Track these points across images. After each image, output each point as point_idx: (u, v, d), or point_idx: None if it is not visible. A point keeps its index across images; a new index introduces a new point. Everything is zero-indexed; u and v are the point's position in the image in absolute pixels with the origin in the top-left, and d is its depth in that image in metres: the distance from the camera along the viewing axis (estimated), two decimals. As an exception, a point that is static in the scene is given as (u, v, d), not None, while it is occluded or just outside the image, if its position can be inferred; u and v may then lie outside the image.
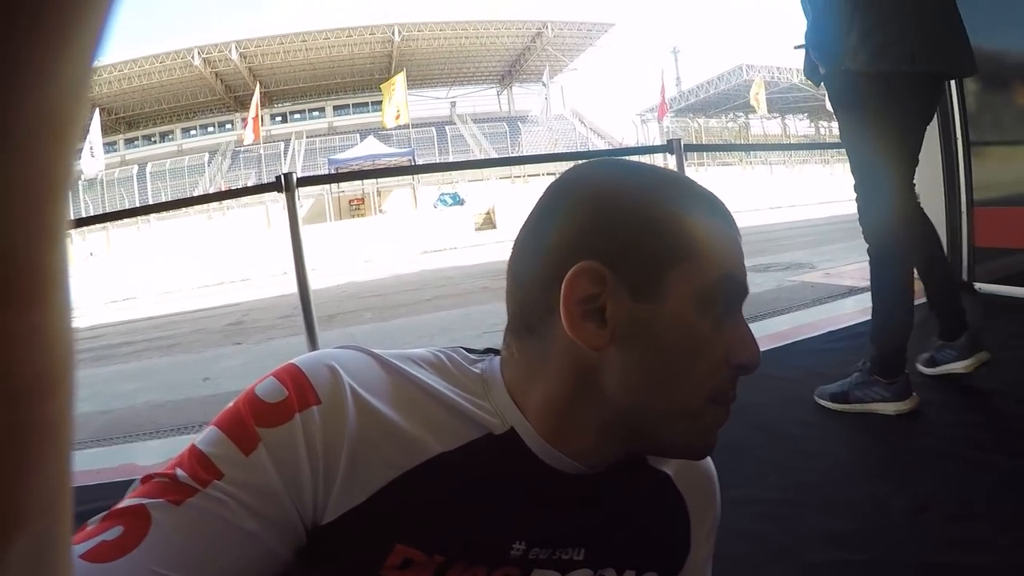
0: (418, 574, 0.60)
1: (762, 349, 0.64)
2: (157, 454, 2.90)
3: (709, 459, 0.79)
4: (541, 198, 0.67)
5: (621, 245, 0.60)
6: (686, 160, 4.17)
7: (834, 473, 1.96)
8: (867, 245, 2.44)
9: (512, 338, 0.66)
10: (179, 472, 0.55)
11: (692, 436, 0.63)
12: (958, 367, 2.50)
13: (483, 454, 0.62)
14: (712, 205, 0.64)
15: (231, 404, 0.60)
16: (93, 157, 25.16)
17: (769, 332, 3.63)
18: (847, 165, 2.44)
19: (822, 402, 2.47)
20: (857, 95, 2.31)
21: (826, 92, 2.46)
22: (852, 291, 4.91)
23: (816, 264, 7.46)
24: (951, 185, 3.68)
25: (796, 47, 2.59)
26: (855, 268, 6.11)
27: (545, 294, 0.61)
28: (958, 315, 2.53)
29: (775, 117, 45.97)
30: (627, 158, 0.72)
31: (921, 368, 2.65)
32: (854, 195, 2.41)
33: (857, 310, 4.01)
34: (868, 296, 2.43)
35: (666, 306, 0.59)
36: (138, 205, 29.08)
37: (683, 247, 0.60)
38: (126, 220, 24.43)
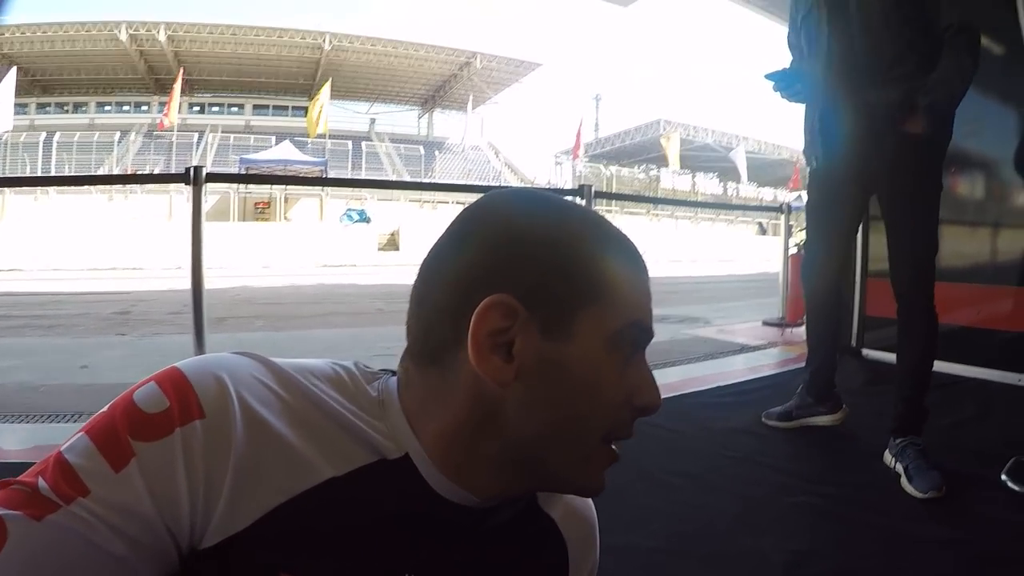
0: None
1: (651, 399, 0.64)
2: (23, 440, 2.74)
3: (592, 506, 0.79)
4: (454, 222, 0.65)
5: (536, 281, 0.58)
6: (594, 206, 4.35)
7: (716, 524, 1.99)
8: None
9: (411, 362, 0.64)
10: (41, 483, 0.50)
11: (585, 474, 0.63)
12: (825, 420, 2.80)
13: (375, 480, 0.59)
14: (627, 249, 0.64)
15: (106, 409, 0.55)
16: (1, 116, 23.58)
17: (660, 382, 3.63)
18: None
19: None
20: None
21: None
22: (744, 348, 5.06)
23: (711, 319, 7.66)
24: (848, 256, 3.84)
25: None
26: (748, 327, 6.31)
27: (453, 323, 0.59)
28: (833, 379, 2.83)
29: (686, 173, 47.32)
30: (543, 190, 0.71)
31: (772, 423, 2.88)
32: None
33: (746, 368, 4.15)
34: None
35: (574, 345, 0.58)
36: (40, 174, 27.83)
37: (597, 289, 0.60)
38: (25, 187, 23.23)
